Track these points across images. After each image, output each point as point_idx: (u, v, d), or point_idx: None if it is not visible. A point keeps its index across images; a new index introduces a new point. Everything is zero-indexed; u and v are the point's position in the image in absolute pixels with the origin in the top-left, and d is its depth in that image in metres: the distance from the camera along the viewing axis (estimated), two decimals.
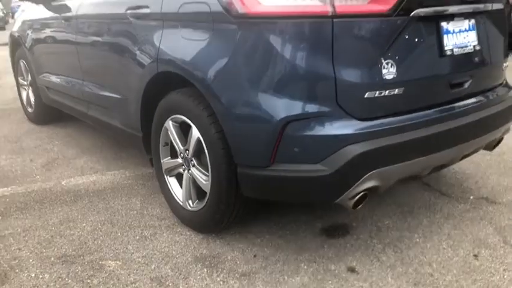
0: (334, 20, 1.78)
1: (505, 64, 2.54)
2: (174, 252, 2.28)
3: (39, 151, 3.82)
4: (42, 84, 4.09)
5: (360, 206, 2.02)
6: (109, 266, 2.17)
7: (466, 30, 2.16)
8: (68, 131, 4.29)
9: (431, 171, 2.25)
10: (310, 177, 1.91)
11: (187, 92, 2.25)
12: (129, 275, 2.11)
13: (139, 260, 2.23)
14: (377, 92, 1.87)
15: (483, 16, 2.27)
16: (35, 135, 4.24)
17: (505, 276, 2.05)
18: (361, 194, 1.94)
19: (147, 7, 2.45)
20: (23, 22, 4.31)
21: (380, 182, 1.94)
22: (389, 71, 1.88)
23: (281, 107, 1.88)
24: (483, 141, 2.32)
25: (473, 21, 2.20)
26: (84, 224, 2.58)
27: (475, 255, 2.22)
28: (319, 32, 1.80)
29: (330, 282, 2.04)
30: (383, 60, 1.86)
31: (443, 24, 2.05)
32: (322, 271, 2.12)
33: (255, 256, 2.24)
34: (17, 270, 2.16)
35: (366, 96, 1.86)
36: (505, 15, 2.47)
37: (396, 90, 1.91)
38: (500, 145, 3.38)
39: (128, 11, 2.59)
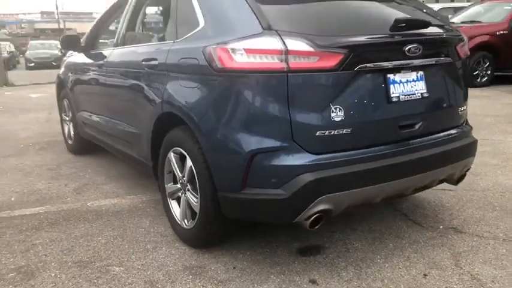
0: (289, 74, 2.24)
1: (462, 108, 2.89)
2: (168, 262, 2.73)
3: (73, 177, 4.41)
4: (80, 120, 4.73)
5: (316, 227, 2.41)
6: (113, 271, 2.64)
7: (413, 80, 2.56)
8: (99, 161, 4.89)
9: (386, 200, 2.62)
10: (272, 200, 2.33)
11: (184, 129, 2.74)
12: (128, 278, 2.57)
13: (139, 267, 2.68)
14: (326, 132, 2.29)
15: (433, 68, 2.66)
16: (72, 164, 4.86)
17: None
18: (316, 215, 2.34)
19: (156, 60, 3.00)
20: (67, 66, 5.03)
21: (331, 205, 2.34)
22: (337, 115, 2.30)
23: (249, 142, 2.33)
24: (433, 176, 2.66)
25: (421, 72, 2.59)
26: (100, 238, 3.07)
27: (425, 275, 2.53)
28: (277, 84, 2.26)
29: None
30: (331, 106, 2.29)
31: (390, 76, 2.46)
32: (288, 281, 2.49)
33: (234, 268, 2.65)
34: (41, 271, 2.66)
35: (317, 134, 2.29)
36: (460, 67, 2.84)
37: (344, 130, 2.33)
38: (485, 182, 3.71)
39: (143, 62, 3.15)
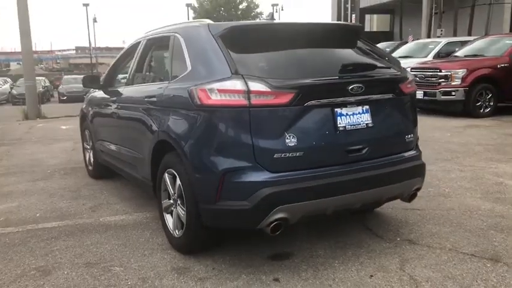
0: (251, 109, 2.82)
1: (409, 135, 3.40)
2: (160, 264, 3.28)
3: (91, 198, 5.04)
4: (98, 148, 5.41)
5: (277, 233, 2.94)
6: (114, 270, 3.21)
7: (359, 113, 3.11)
8: (114, 184, 5.52)
9: (338, 212, 3.14)
10: (240, 210, 2.88)
11: (175, 153, 3.34)
12: (125, 275, 3.13)
13: (136, 267, 3.24)
14: (282, 154, 2.85)
15: (377, 103, 3.20)
16: (91, 187, 5.51)
17: None
18: (275, 223, 2.87)
19: (155, 97, 3.64)
20: (88, 101, 5.76)
21: (286, 215, 2.87)
22: (291, 141, 2.86)
23: (221, 163, 2.90)
24: (379, 193, 3.17)
25: (366, 106, 3.14)
26: (106, 245, 3.66)
27: (371, 276, 3.01)
28: (242, 116, 2.84)
29: (257, 286, 2.93)
30: (286, 134, 2.86)
31: (337, 109, 3.02)
32: (255, 279, 3.01)
33: (213, 268, 3.18)
34: (56, 270, 3.25)
35: (274, 156, 2.85)
36: (405, 101, 3.37)
37: (297, 153, 2.88)
38: (452, 203, 4.18)
39: (145, 98, 3.80)
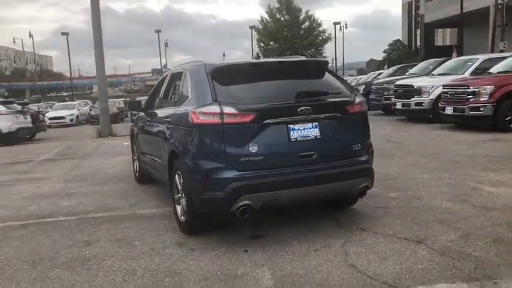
0: (223, 126, 3.96)
1: (356, 145, 4.35)
2: (167, 240, 4.46)
3: (133, 197, 6.37)
4: (141, 158, 6.77)
5: (245, 216, 4.02)
6: (135, 243, 4.43)
7: (309, 128, 4.13)
8: (155, 187, 6.81)
9: (295, 202, 4.18)
10: (217, 198, 4.00)
11: (179, 159, 4.53)
12: (141, 246, 4.34)
13: (150, 241, 4.45)
14: (247, 158, 3.95)
15: (325, 120, 4.20)
16: (135, 189, 6.87)
17: (320, 257, 3.82)
18: (241, 208, 3.95)
19: (169, 118, 4.88)
20: (134, 121, 7.17)
21: (250, 202, 3.94)
22: (253, 148, 3.95)
23: (204, 164, 4.05)
24: (326, 188, 4.17)
25: (315, 123, 4.15)
26: (135, 229, 4.90)
27: (316, 250, 3.99)
28: (218, 131, 3.98)
29: (230, 254, 4.01)
30: (249, 143, 3.95)
31: (291, 125, 4.07)
32: (231, 250, 4.09)
33: (204, 243, 4.31)
34: (95, 242, 4.53)
35: (241, 159, 3.95)
36: (351, 119, 4.33)
37: (258, 157, 3.96)
38: (421, 203, 5.06)
39: (164, 119, 5.06)
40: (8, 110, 16.87)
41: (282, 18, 57.94)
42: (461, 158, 7.80)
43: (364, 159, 4.43)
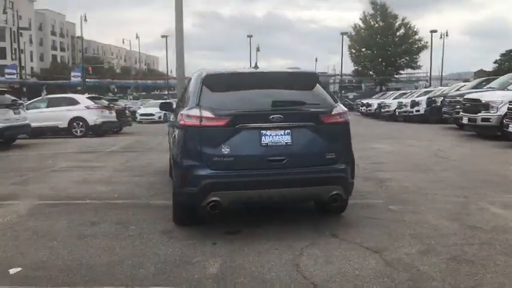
0: (201, 128, 4.41)
1: (329, 154, 4.55)
2: (157, 228, 4.99)
3: (157, 189, 7.04)
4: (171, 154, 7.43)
5: (216, 211, 4.43)
6: (130, 227, 5.03)
7: (281, 135, 4.43)
8: None
9: (261, 203, 4.50)
10: (192, 193, 4.46)
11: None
12: (133, 230, 4.92)
13: (142, 227, 5.02)
14: (219, 158, 4.36)
15: (298, 128, 4.47)
16: (165, 183, 7.51)
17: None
18: (211, 203, 4.37)
19: (176, 118, 5.44)
20: (169, 121, 7.84)
21: (218, 198, 4.35)
22: (226, 149, 4.36)
23: (184, 162, 4.53)
24: (293, 192, 4.45)
25: (288, 130, 4.45)
26: (139, 215, 5.51)
27: (276, 248, 4.28)
28: (196, 132, 4.45)
29: (199, 245, 4.42)
30: (222, 145, 4.36)
31: (263, 131, 4.42)
32: (202, 241, 4.51)
33: (185, 233, 4.78)
34: (100, 223, 5.20)
35: (214, 159, 4.37)
36: (325, 129, 4.55)
37: (230, 158, 4.36)
38: (410, 217, 5.21)
39: (173, 119, 5.62)
40: (96, 105, 18.69)
41: (376, 25, 56.86)
42: (495, 178, 7.49)
43: (337, 167, 4.62)
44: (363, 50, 57.92)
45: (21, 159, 11.38)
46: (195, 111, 4.49)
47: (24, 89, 51.55)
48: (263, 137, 4.43)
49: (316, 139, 4.58)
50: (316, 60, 71.10)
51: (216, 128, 4.42)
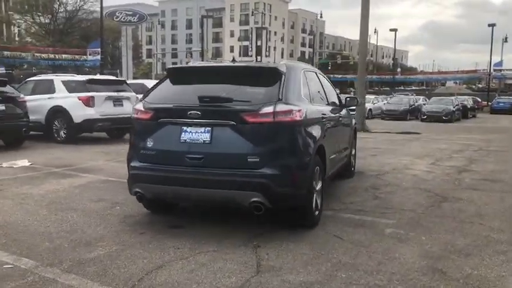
0: (135, 120, 4.62)
1: (252, 157, 4.08)
2: (136, 210, 5.34)
3: None
4: None
5: (142, 202, 4.58)
6: (115, 207, 5.52)
7: (201, 132, 4.24)
8: None
9: (181, 200, 4.41)
10: (128, 182, 4.67)
11: None
12: (118, 210, 5.39)
13: (125, 209, 5.45)
14: (144, 151, 4.48)
15: (219, 127, 4.18)
16: None
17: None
18: (137, 194, 4.52)
19: None
20: None
21: (141, 190, 4.47)
22: (149, 143, 4.45)
23: (129, 153, 4.75)
24: (211, 194, 4.26)
25: (208, 128, 4.22)
26: (133, 198, 5.96)
27: (257, 245, 4.13)
28: (133, 125, 4.67)
29: (134, 235, 4.57)
30: (147, 138, 4.45)
31: (184, 127, 4.31)
32: (148, 232, 4.68)
33: (140, 221, 5.02)
34: (102, 200, 5.86)
35: (140, 152, 4.51)
36: (247, 129, 4.08)
37: (152, 152, 4.43)
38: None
39: None
40: None
41: None
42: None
43: (259, 173, 4.13)
44: None
45: None
46: (139, 105, 4.67)
47: None
48: (183, 133, 4.32)
49: (238, 139, 4.18)
50: None
51: (143, 122, 4.54)
